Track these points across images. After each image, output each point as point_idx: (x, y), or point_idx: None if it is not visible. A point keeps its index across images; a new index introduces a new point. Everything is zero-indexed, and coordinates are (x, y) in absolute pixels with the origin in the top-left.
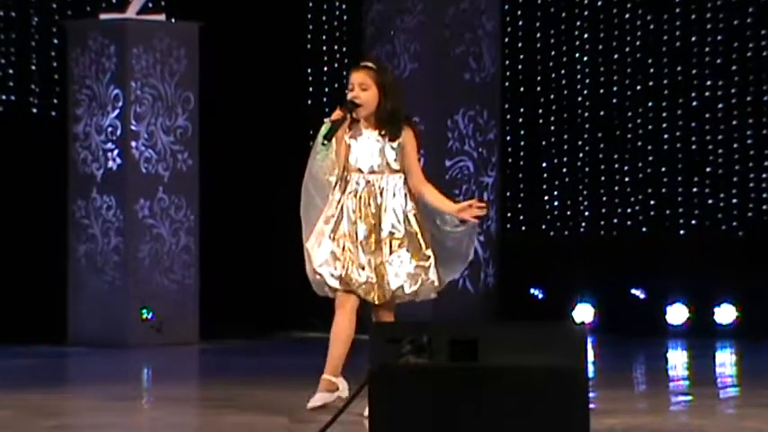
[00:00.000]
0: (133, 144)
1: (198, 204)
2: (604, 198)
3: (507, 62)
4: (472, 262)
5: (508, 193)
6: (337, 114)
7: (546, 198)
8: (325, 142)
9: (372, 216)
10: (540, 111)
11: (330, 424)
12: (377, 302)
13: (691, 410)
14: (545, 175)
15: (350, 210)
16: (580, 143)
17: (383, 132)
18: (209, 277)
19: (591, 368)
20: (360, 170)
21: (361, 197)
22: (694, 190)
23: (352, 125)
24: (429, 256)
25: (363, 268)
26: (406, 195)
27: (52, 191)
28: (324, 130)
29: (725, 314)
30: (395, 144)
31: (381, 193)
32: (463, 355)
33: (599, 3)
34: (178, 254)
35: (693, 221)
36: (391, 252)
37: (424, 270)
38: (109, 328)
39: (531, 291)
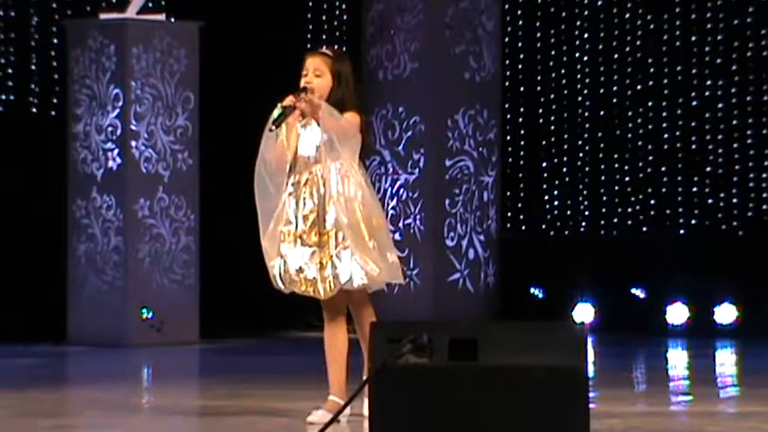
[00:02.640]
0: (133, 144)
1: (198, 204)
2: (604, 198)
3: (507, 62)
4: (472, 262)
5: (508, 193)
6: (290, 101)
7: (546, 198)
8: (273, 128)
9: (315, 207)
10: (540, 111)
11: (330, 423)
12: (323, 297)
13: (691, 410)
14: (545, 175)
15: (293, 202)
16: (580, 143)
17: None
18: (209, 277)
19: (591, 368)
20: (305, 159)
21: (303, 187)
22: (694, 190)
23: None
24: (372, 248)
25: (301, 269)
26: (347, 182)
27: (52, 191)
28: (274, 114)
29: (725, 314)
30: None
31: (324, 184)
32: (463, 355)
33: (599, 3)
34: (178, 254)
35: (693, 221)
36: (337, 244)
37: (367, 262)
38: (109, 327)
39: (531, 291)
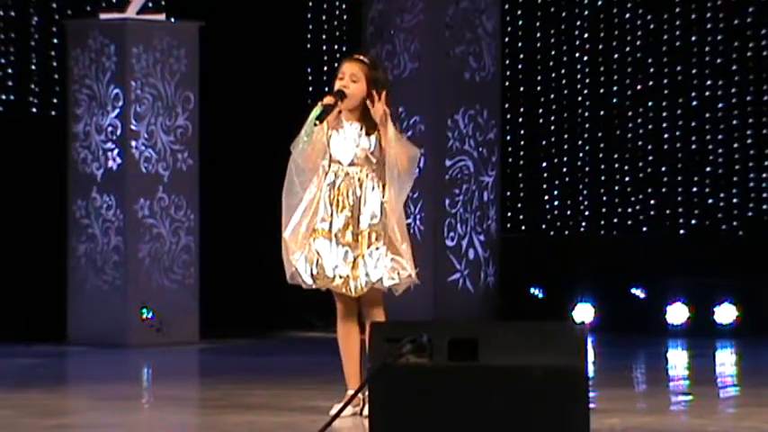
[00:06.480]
0: (133, 144)
1: (198, 204)
2: (604, 198)
3: (507, 62)
4: (472, 262)
5: (508, 193)
6: (329, 99)
7: (546, 198)
8: (317, 123)
9: (350, 208)
10: (540, 111)
11: (329, 424)
12: (354, 294)
13: (691, 410)
14: (545, 175)
15: (326, 202)
16: (580, 143)
17: (362, 126)
18: (209, 277)
19: (591, 368)
20: (339, 162)
21: (339, 189)
22: (694, 190)
23: (337, 115)
24: (404, 250)
25: (337, 266)
26: (383, 187)
27: (52, 191)
28: (315, 112)
29: (725, 314)
30: (372, 137)
31: (360, 186)
32: (463, 355)
33: (599, 3)
34: (178, 253)
35: (693, 221)
36: (369, 245)
37: (400, 263)
38: (109, 327)
39: (531, 290)
